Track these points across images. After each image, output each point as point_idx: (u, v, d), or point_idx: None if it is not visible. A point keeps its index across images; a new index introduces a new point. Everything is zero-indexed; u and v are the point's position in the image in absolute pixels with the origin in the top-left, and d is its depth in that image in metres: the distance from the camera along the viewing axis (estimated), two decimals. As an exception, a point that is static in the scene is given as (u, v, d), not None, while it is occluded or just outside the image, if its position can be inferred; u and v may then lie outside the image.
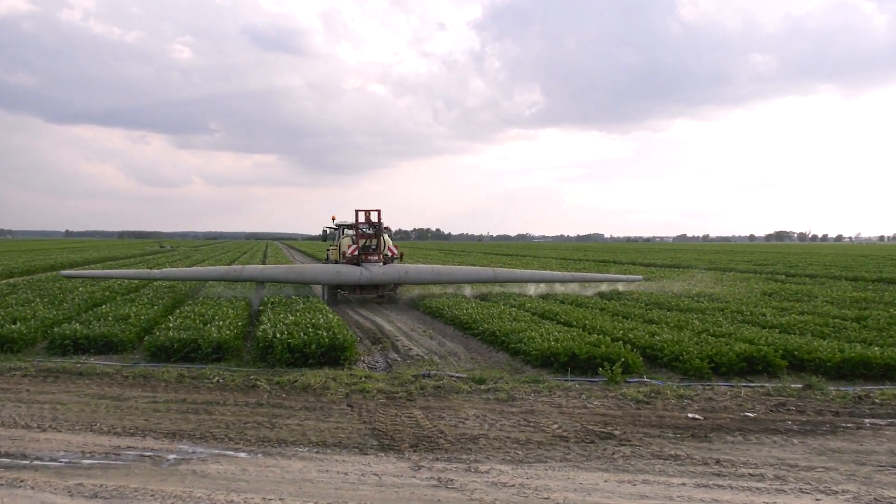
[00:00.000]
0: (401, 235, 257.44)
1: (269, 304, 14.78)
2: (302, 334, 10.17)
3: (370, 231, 19.38)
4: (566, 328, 11.69)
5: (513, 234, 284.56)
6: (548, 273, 21.24)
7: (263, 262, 35.44)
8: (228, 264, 30.78)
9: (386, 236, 20.18)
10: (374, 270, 18.50)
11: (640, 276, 23.04)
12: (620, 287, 21.19)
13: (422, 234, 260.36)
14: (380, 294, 19.82)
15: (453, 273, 19.60)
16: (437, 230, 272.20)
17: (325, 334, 10.16)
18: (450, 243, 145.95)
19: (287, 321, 11.51)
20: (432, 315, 15.60)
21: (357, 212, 19.25)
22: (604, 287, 20.84)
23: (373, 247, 19.04)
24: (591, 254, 55.56)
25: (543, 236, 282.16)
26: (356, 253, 18.85)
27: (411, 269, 19.17)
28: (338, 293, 20.16)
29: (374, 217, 19.23)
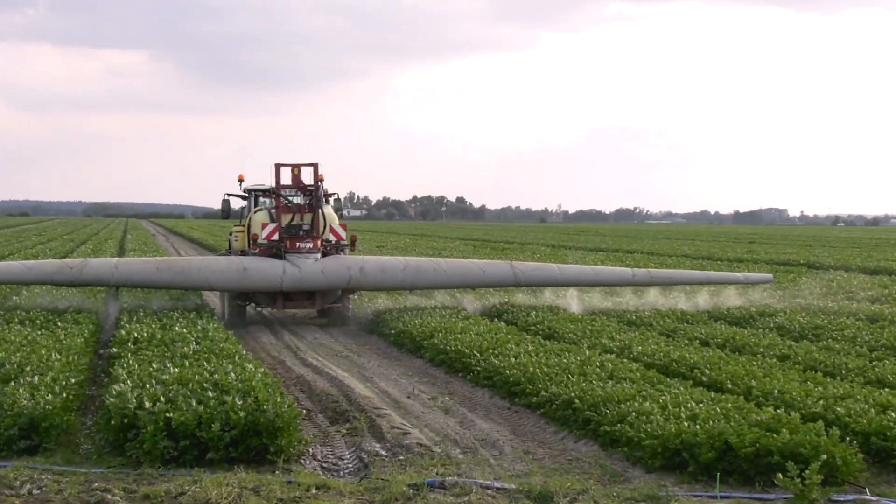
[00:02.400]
0: (387, 209, 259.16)
1: (133, 343, 14.90)
2: (195, 403, 10.20)
3: (301, 200, 20.49)
4: (713, 394, 11.67)
5: (607, 209, 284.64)
6: (605, 271, 22.65)
7: (120, 256, 35.76)
8: (62, 258, 31.09)
9: (329, 209, 21.31)
10: (308, 267, 19.64)
11: (770, 276, 24.07)
12: (733, 297, 22.09)
13: (429, 209, 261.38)
14: (319, 308, 21.14)
15: (442, 271, 20.72)
16: (460, 201, 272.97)
17: (239, 403, 10.19)
18: (482, 226, 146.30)
19: (165, 377, 11.56)
20: (448, 367, 15.69)
21: (278, 167, 20.26)
22: (732, 296, 21.51)
23: (305, 226, 20.12)
24: (767, 248, 55.25)
25: (668, 213, 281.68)
26: (276, 238, 19.95)
27: (370, 265, 20.37)
28: (246, 307, 21.23)
29: (307, 176, 20.29)
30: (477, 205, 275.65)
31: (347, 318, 21.18)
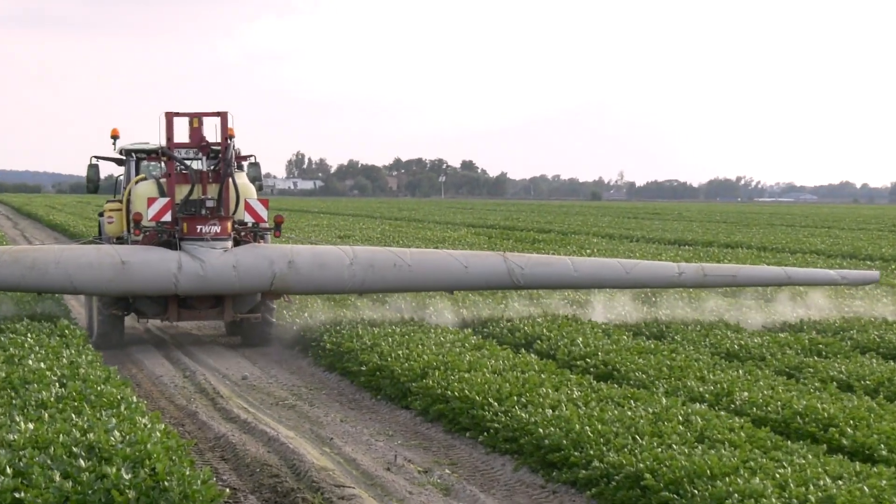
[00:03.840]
0: (356, 179, 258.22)
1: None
2: (58, 477, 10.27)
3: (203, 165, 21.78)
4: (858, 465, 11.75)
5: (696, 180, 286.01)
6: (640, 266, 23.75)
7: None
8: None
9: (243, 178, 22.35)
10: (214, 261, 20.53)
11: (876, 273, 26.18)
12: (830, 305, 23.50)
13: (420, 180, 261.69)
14: (229, 320, 22.36)
15: (406, 267, 21.97)
16: (468, 167, 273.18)
17: (126, 478, 10.26)
18: (502, 205, 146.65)
19: (12, 437, 11.67)
20: (449, 422, 15.85)
21: (170, 118, 21.32)
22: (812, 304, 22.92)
23: (209, 203, 21.07)
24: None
25: (790, 187, 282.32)
26: (168, 218, 20.95)
27: (303, 257, 21.44)
28: (124, 318, 22.06)
29: (211, 130, 21.50)
30: (493, 173, 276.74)
31: (270, 335, 22.01)
